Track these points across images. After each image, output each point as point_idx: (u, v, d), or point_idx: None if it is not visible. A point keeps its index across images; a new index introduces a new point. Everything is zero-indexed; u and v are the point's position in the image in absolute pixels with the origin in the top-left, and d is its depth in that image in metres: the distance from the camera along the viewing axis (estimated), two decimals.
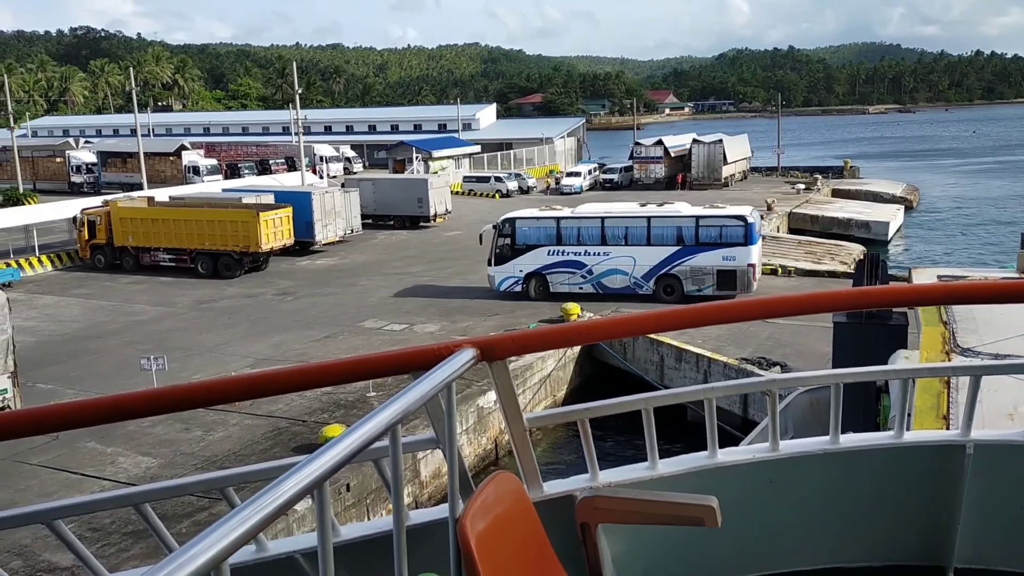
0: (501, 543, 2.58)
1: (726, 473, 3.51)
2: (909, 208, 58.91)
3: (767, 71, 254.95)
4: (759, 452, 3.60)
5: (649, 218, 29.33)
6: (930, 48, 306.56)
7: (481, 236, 30.73)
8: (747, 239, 28.25)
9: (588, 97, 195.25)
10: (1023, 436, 3.58)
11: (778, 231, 46.30)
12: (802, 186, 60.68)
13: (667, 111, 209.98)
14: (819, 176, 65.65)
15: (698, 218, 29.01)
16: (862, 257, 29.82)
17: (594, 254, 29.09)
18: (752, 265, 28.35)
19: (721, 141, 63.32)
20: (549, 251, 29.32)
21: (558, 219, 29.74)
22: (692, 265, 28.55)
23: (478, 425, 21.24)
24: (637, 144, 66.33)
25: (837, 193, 60.13)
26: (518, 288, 29.51)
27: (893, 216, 52.01)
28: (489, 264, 29.89)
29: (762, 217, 46.59)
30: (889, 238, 48.88)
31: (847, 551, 3.74)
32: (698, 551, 3.52)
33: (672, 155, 63.60)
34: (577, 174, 65.00)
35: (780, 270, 33.75)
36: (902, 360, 14.14)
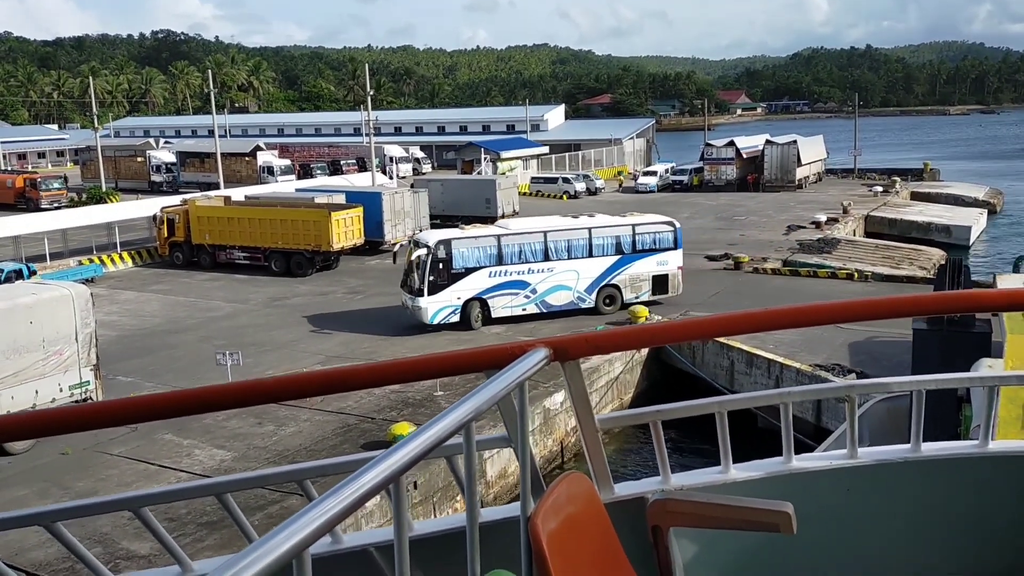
0: (572, 543, 2.57)
1: (802, 479, 3.42)
2: (992, 212, 56.83)
3: (843, 70, 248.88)
4: (836, 459, 3.50)
5: (590, 229, 28.44)
6: (1016, 47, 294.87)
7: (395, 255, 28.69)
8: (676, 243, 28.99)
9: (658, 98, 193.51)
10: None
11: (854, 235, 45.14)
12: (879, 188, 59.10)
13: (739, 111, 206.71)
14: (897, 178, 63.83)
15: (635, 226, 28.94)
16: (943, 262, 28.77)
17: (538, 271, 27.60)
18: (681, 268, 29.18)
19: (795, 142, 62.10)
20: (491, 272, 27.06)
21: (499, 236, 27.49)
22: (631, 273, 28.42)
23: (544, 427, 21.21)
24: (708, 145, 65.49)
25: (916, 196, 58.39)
26: (455, 318, 26.74)
27: (975, 220, 50.23)
28: (418, 295, 26.37)
29: (837, 220, 45.66)
30: (971, 243, 47.23)
31: (927, 565, 3.60)
32: (771, 559, 3.43)
33: (744, 156, 62.59)
34: (653, 173, 65.48)
35: (856, 275, 32.88)
36: (986, 368, 13.64)
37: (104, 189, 62.33)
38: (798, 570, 3.51)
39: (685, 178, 63.88)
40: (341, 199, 39.35)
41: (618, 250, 28.44)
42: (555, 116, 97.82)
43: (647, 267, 28.60)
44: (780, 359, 22.78)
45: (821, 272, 33.66)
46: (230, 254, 37.58)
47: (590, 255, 28.12)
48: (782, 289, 30.87)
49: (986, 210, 55.35)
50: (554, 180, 62.86)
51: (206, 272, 37.32)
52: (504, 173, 59.29)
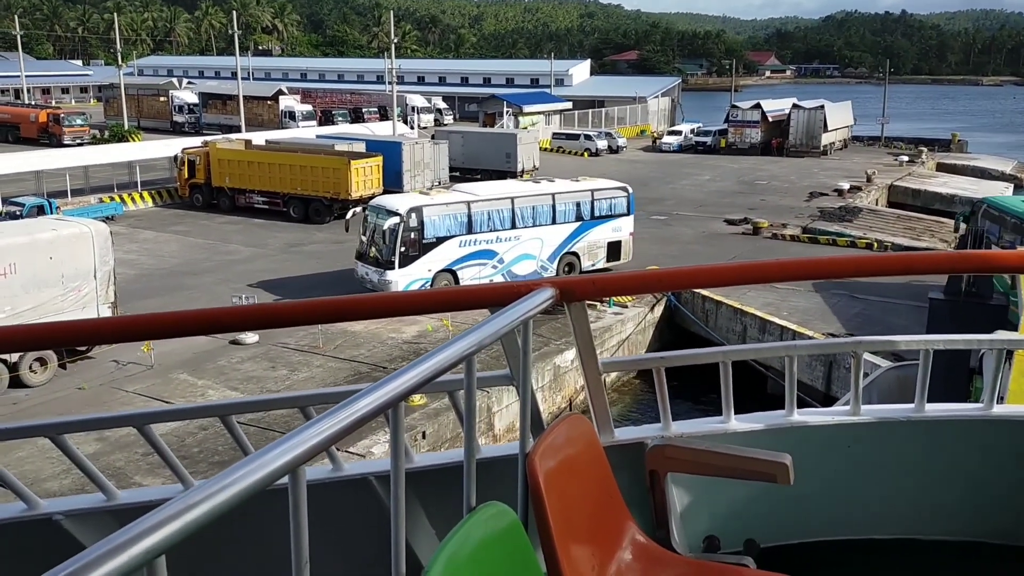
0: (569, 482, 2.60)
1: (803, 433, 3.42)
2: (1019, 186, 55.85)
3: (876, 36, 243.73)
4: (839, 414, 3.50)
5: (554, 195, 27.55)
6: None
7: (347, 223, 26.81)
8: (629, 209, 28.61)
9: (685, 56, 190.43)
10: None
11: (876, 204, 44.65)
12: (905, 158, 58.26)
13: (767, 73, 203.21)
14: (924, 148, 62.85)
15: (594, 191, 28.25)
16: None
17: (506, 240, 26.45)
18: (632, 234, 28.79)
19: (823, 107, 61.07)
20: (461, 242, 25.69)
21: (469, 203, 25.99)
22: (589, 240, 27.84)
23: (554, 383, 21.36)
24: (733, 107, 64.53)
25: (942, 167, 57.53)
26: None
27: (1001, 194, 49.48)
28: (387, 268, 24.52)
29: (860, 189, 45.12)
30: None
31: (925, 523, 3.62)
32: (767, 510, 3.45)
33: (770, 120, 61.68)
34: (677, 133, 64.91)
35: (876, 244, 32.61)
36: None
37: (126, 127, 62.38)
38: (793, 523, 3.53)
39: (709, 139, 63.12)
40: (361, 147, 39.17)
41: (578, 216, 27.72)
42: (580, 71, 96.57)
43: (603, 234, 28.09)
44: (793, 326, 22.74)
45: (840, 240, 33.40)
46: (249, 198, 37.68)
47: (553, 222, 27.30)
48: (799, 256, 30.65)
49: (1012, 184, 54.49)
50: (576, 137, 62.28)
51: (225, 215, 37.47)
52: (526, 128, 58.83)
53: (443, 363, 2.05)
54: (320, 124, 61.99)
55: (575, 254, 27.74)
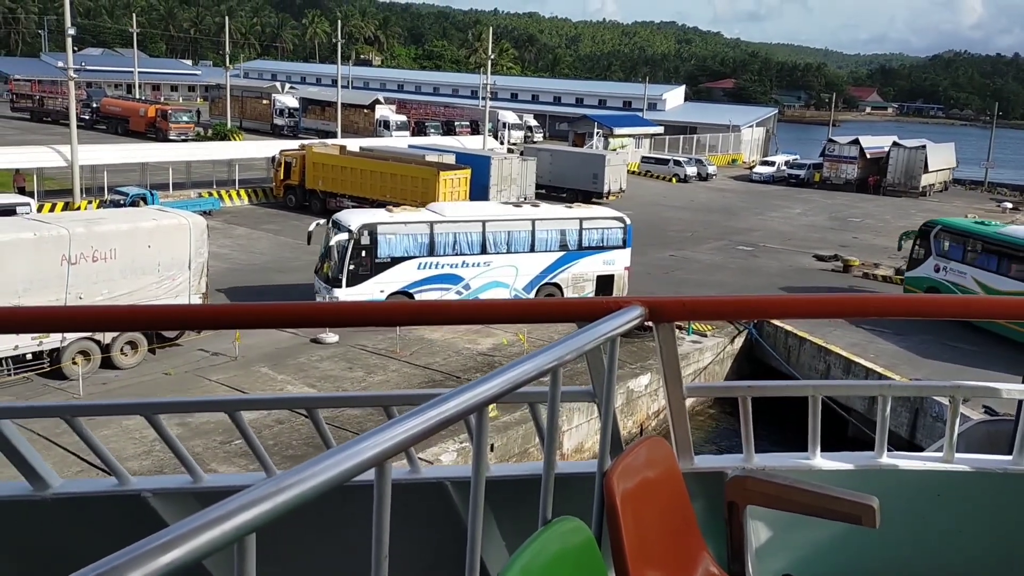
0: (645, 504, 2.57)
1: (891, 477, 3.30)
2: None
3: (986, 77, 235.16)
4: (931, 460, 3.37)
5: (534, 221, 26.04)
6: None
7: (309, 234, 25.65)
8: (625, 242, 27.03)
9: (784, 87, 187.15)
10: None
11: None
12: (1009, 205, 55.96)
13: (868, 109, 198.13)
14: None
15: (582, 220, 26.80)
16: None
17: (473, 265, 25.03)
18: (628, 268, 27.09)
19: (924, 147, 59.24)
20: (420, 264, 24.48)
21: (432, 224, 24.79)
22: (574, 272, 26.20)
23: (626, 407, 21.13)
24: (831, 141, 63.14)
25: None
26: None
27: None
28: (335, 285, 23.51)
29: None
30: None
31: None
32: (848, 553, 3.33)
33: (868, 156, 60.12)
34: (770, 164, 64.23)
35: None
36: None
37: (229, 127, 64.63)
38: (875, 569, 3.41)
39: (803, 172, 61.87)
40: (451, 159, 39.70)
41: (563, 245, 26.23)
42: (674, 96, 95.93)
43: (592, 266, 26.52)
44: (879, 369, 21.98)
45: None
46: (340, 202, 38.49)
47: (532, 249, 25.81)
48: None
49: None
50: (665, 162, 61.84)
51: (316, 217, 38.33)
52: (615, 149, 58.65)
53: (528, 373, 2.04)
54: (413, 135, 63.03)
55: (556, 285, 26.19)
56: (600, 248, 26.89)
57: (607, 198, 47.17)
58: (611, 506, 2.42)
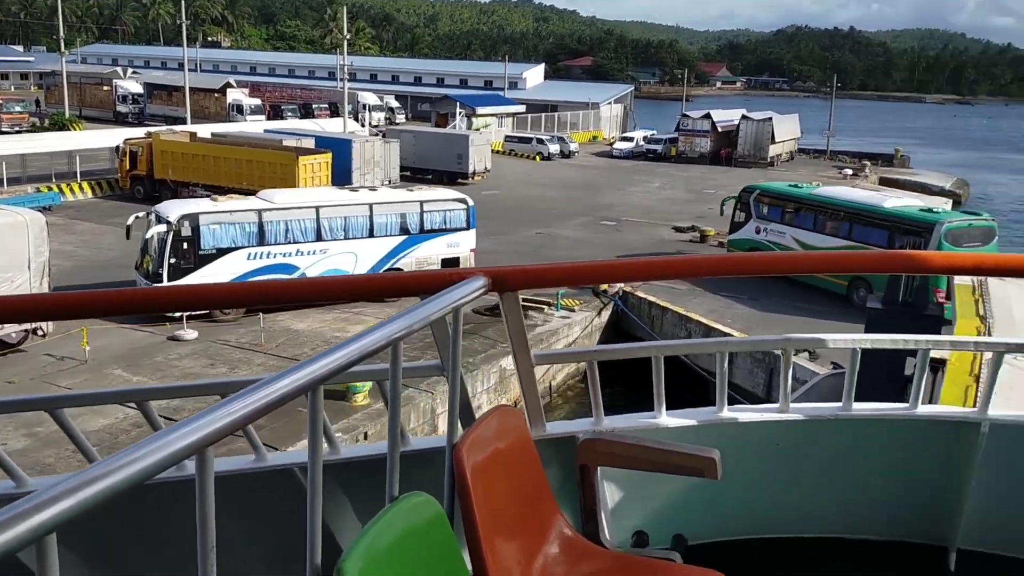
0: (497, 474, 2.57)
1: (732, 429, 3.43)
2: (957, 203, 57.47)
3: (825, 51, 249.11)
4: (768, 411, 3.52)
5: (371, 205, 25.57)
6: (996, 40, 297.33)
7: (128, 228, 24.08)
8: (469, 223, 26.94)
9: (639, 64, 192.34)
10: None
11: None
12: (849, 172, 59.57)
13: (718, 84, 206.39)
14: (868, 163, 64.41)
15: (423, 203, 26.45)
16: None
17: (308, 253, 24.26)
18: (474, 251, 26.93)
19: (771, 119, 62.20)
20: (250, 255, 23.47)
21: (260, 211, 23.83)
22: (417, 256, 25.77)
23: (500, 386, 21.27)
24: (684, 116, 65.47)
25: (884, 182, 58.87)
26: (200, 309, 23.51)
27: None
28: (155, 280, 22.09)
29: None
30: None
31: (849, 522, 3.66)
32: (697, 506, 3.46)
33: (719, 130, 62.64)
34: (629, 140, 66.01)
35: None
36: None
37: (67, 116, 60.74)
38: (722, 519, 3.54)
39: (660, 147, 63.89)
40: (310, 143, 38.82)
41: (404, 230, 25.84)
42: (534, 75, 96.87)
43: (436, 249, 26.10)
44: (736, 333, 22.98)
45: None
46: (192, 191, 36.80)
47: (371, 235, 25.24)
48: None
49: (951, 200, 56.05)
50: (528, 140, 62.48)
51: None
52: (478, 129, 58.79)
53: (367, 347, 1.98)
54: (269, 119, 61.17)
55: (399, 270, 24.94)
56: (444, 231, 26.58)
57: (473, 178, 47.23)
58: (461, 479, 2.40)
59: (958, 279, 17.23)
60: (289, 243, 24.14)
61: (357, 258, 24.90)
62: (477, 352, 20.77)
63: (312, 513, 1.91)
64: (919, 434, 3.54)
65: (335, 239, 24.74)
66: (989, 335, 13.63)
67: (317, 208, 24.78)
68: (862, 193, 32.86)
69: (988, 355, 3.51)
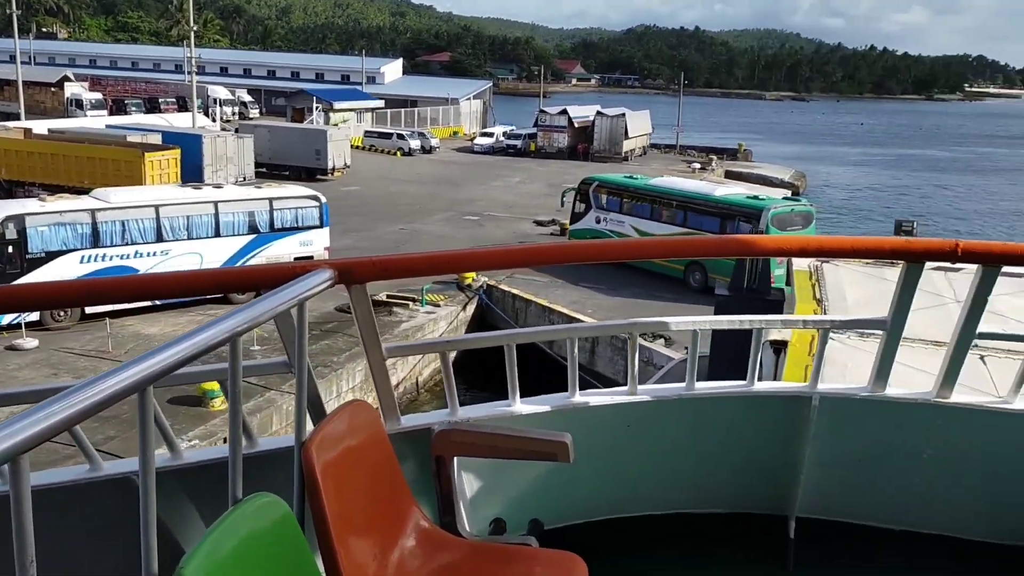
0: (349, 471, 2.52)
1: (584, 413, 3.50)
2: (796, 193, 60.99)
3: (673, 49, 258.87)
4: (618, 395, 3.62)
5: (217, 203, 24.80)
6: (828, 39, 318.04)
7: None
8: (322, 221, 26.54)
9: (496, 60, 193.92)
10: (865, 390, 3.66)
11: None
12: (697, 165, 62.21)
13: (574, 81, 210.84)
14: (714, 157, 67.44)
15: (272, 200, 25.90)
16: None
17: (148, 255, 23.27)
18: (328, 249, 26.40)
19: (624, 115, 64.10)
20: (84, 257, 22.35)
21: (94, 212, 22.70)
22: (268, 255, 25.14)
23: (366, 384, 20.99)
24: (542, 112, 66.58)
25: (730, 175, 61.83)
26: (30, 316, 20.54)
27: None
28: None
29: None
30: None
31: (697, 497, 3.81)
32: (552, 491, 3.52)
33: (576, 125, 64.04)
34: (490, 135, 66.38)
35: None
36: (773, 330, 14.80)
37: None
38: (576, 503, 3.63)
39: (520, 143, 64.67)
40: (157, 139, 37.15)
41: (252, 228, 25.14)
42: (392, 70, 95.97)
43: (288, 248, 25.44)
44: (595, 323, 23.64)
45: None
46: (29, 191, 34.45)
47: (217, 234, 24.42)
48: None
49: (790, 191, 59.51)
50: (388, 136, 61.87)
51: None
52: (336, 124, 57.70)
53: (203, 344, 1.88)
54: (111, 114, 58.01)
55: None
56: (295, 229, 25.91)
57: (332, 174, 46.37)
58: (310, 478, 2.33)
59: (796, 265, 18.38)
60: (127, 244, 23.03)
61: (203, 258, 23.94)
62: (342, 351, 20.44)
63: (146, 521, 1.81)
64: (757, 410, 3.71)
65: (177, 239, 23.81)
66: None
67: (157, 207, 23.69)
68: (694, 183, 34.79)
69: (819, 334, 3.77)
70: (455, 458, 3.10)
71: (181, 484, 2.69)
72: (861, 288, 13.46)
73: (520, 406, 3.42)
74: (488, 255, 3.23)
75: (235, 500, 2.16)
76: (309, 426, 2.58)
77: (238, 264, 24.25)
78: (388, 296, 23.97)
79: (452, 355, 3.41)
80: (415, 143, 60.61)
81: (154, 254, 23.37)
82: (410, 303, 24.49)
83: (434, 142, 63.15)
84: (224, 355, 2.13)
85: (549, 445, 3.00)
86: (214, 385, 16.74)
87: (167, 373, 1.77)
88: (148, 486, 1.80)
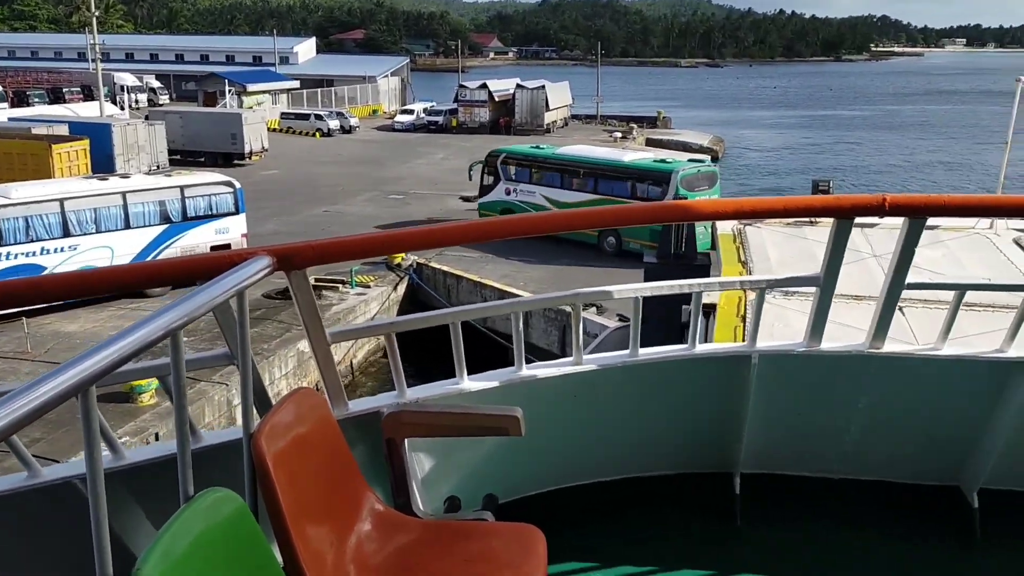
0: (300, 460, 2.49)
1: (532, 386, 3.54)
2: (715, 158, 62.20)
3: (588, 20, 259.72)
4: (563, 366, 3.66)
5: (125, 194, 23.95)
6: (739, 5, 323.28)
7: None
8: (237, 207, 25.99)
9: (412, 36, 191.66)
10: (801, 346, 3.78)
11: None
12: (619, 134, 62.74)
13: (492, 55, 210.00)
14: (635, 125, 68.09)
15: (183, 188, 25.17)
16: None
17: (56, 251, 22.35)
18: (245, 235, 25.91)
19: (544, 87, 64.18)
20: None
21: None
22: (183, 245, 24.56)
23: (299, 370, 20.75)
24: (462, 87, 66.17)
25: (650, 142, 62.61)
26: None
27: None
28: None
29: None
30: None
31: (645, 461, 3.90)
32: (504, 466, 3.55)
33: (496, 99, 63.90)
34: (411, 112, 65.89)
35: None
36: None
37: None
38: (530, 475, 3.67)
39: (441, 119, 64.23)
40: (64, 130, 35.77)
41: (164, 218, 24.45)
42: (306, 49, 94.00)
43: (204, 236, 24.93)
44: (529, 296, 23.76)
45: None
46: None
47: (127, 226, 23.68)
48: None
49: (709, 156, 60.61)
50: (306, 117, 60.77)
51: None
52: (251, 107, 56.40)
53: (143, 340, 1.83)
54: (13, 106, 55.41)
55: None
56: (210, 216, 25.28)
57: (250, 158, 45.36)
58: (262, 469, 2.30)
59: (720, 228, 18.77)
60: (32, 241, 22.05)
61: (113, 252, 23.12)
62: (272, 337, 20.12)
63: (97, 526, 1.75)
64: (699, 372, 3.80)
65: (86, 233, 22.92)
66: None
67: (62, 201, 22.69)
68: (602, 150, 35.06)
69: (752, 295, 3.86)
70: (406, 439, 3.09)
71: (127, 485, 2.61)
72: (783, 249, 13.82)
73: (468, 383, 3.42)
74: (427, 234, 3.21)
75: (187, 497, 2.10)
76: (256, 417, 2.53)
77: (151, 255, 23.62)
78: (316, 280, 23.65)
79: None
80: (334, 123, 59.64)
81: (62, 250, 22.41)
82: (340, 286, 24.22)
83: (353, 121, 62.22)
84: (164, 349, 2.06)
85: (500, 420, 3.02)
86: (141, 380, 16.32)
87: (108, 372, 1.71)
88: (98, 491, 1.74)
